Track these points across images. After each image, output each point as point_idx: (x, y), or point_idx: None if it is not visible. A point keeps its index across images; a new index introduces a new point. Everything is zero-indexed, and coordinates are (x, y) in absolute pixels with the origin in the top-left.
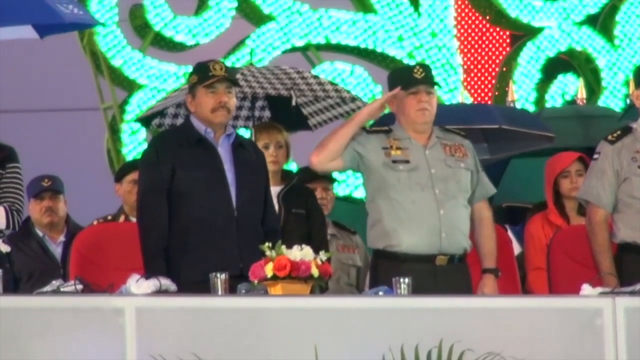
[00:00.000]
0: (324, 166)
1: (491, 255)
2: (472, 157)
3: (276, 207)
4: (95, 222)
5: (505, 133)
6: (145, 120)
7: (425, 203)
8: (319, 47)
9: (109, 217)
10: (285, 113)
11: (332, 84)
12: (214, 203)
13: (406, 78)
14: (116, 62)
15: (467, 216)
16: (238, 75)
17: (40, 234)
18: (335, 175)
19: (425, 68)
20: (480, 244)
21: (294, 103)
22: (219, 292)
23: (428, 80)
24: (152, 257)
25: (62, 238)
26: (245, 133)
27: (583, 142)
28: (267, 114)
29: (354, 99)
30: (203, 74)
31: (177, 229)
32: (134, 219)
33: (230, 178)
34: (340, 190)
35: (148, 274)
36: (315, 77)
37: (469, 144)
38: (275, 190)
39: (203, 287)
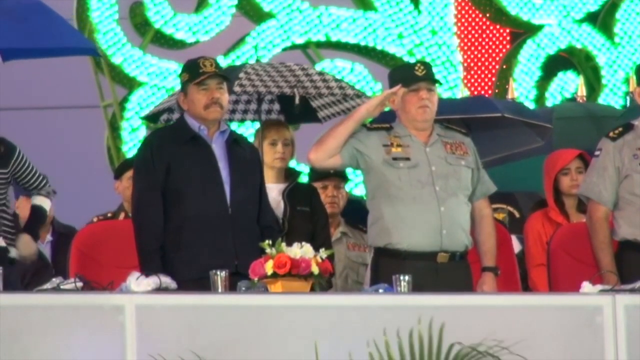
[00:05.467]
0: (321, 163)
1: (491, 254)
2: (472, 155)
3: (281, 204)
4: (95, 219)
5: (505, 127)
6: (152, 118)
7: (425, 200)
8: (319, 45)
9: (109, 215)
10: (294, 106)
11: (336, 80)
12: (208, 201)
13: (407, 75)
14: (116, 60)
15: (467, 213)
16: (241, 74)
17: None
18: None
19: (427, 65)
20: (481, 242)
21: (297, 101)
22: (219, 290)
23: (429, 78)
24: (147, 256)
25: (49, 237)
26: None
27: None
28: (276, 107)
29: (358, 95)
30: (193, 71)
31: (172, 227)
32: None
33: (225, 175)
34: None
35: (143, 272)
36: (320, 73)
37: (469, 142)
38: (279, 187)
39: (198, 285)
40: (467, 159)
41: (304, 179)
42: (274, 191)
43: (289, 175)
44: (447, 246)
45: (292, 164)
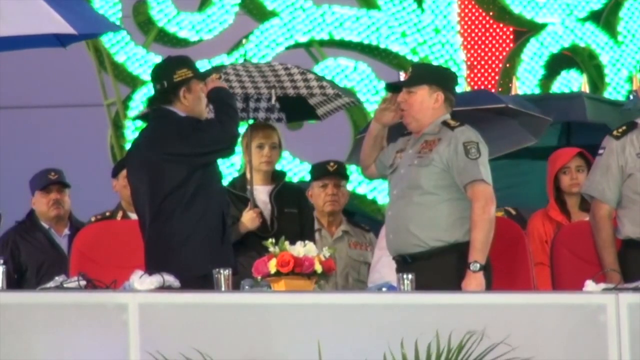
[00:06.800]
0: (366, 173)
1: (472, 248)
2: (445, 148)
3: (269, 206)
4: (92, 219)
5: (498, 127)
6: (146, 117)
7: (388, 207)
8: (322, 43)
9: (107, 214)
10: (294, 104)
11: (317, 79)
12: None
13: None
14: (119, 58)
15: (423, 211)
16: (220, 75)
17: (45, 226)
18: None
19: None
20: None
21: (273, 101)
22: (223, 288)
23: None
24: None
25: (66, 231)
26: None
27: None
28: (276, 105)
29: (338, 95)
30: (197, 70)
31: (194, 218)
32: (132, 215)
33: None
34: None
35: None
36: (303, 73)
37: (455, 136)
38: (267, 189)
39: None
40: (428, 155)
41: (294, 179)
42: (262, 193)
43: (276, 177)
44: (398, 250)
45: (296, 163)
